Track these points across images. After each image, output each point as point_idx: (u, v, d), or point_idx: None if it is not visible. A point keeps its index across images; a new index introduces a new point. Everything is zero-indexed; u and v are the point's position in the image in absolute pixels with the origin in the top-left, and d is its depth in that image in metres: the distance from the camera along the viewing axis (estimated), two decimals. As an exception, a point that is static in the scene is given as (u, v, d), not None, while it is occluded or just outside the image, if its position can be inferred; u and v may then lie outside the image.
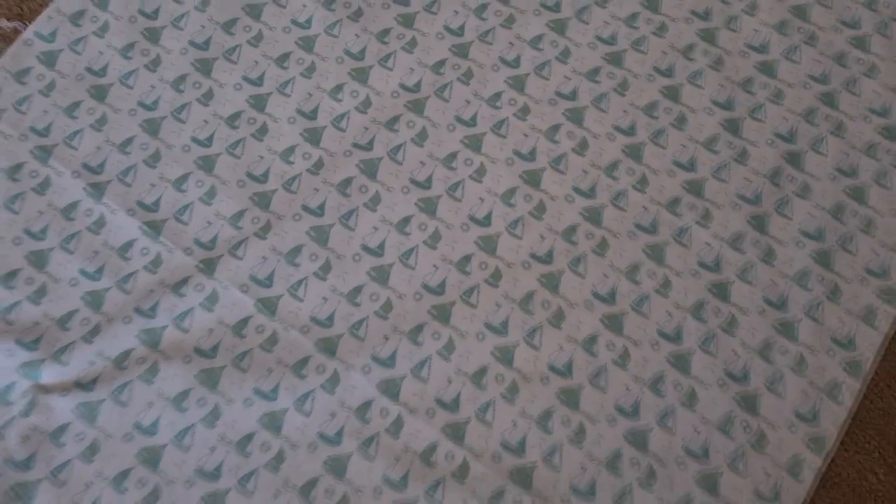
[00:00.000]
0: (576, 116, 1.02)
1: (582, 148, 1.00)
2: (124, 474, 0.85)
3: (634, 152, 1.00)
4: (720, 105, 1.03)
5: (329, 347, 0.90)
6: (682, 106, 1.03)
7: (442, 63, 1.04)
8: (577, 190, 0.98)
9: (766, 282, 0.94)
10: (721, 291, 0.94)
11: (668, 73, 1.05)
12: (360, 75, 1.03)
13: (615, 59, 1.05)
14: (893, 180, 0.99)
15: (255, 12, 1.06)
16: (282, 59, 1.03)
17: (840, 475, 0.88)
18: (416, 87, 1.02)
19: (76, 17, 1.04)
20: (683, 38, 1.06)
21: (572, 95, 1.03)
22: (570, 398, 0.89)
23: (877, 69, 1.05)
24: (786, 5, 1.08)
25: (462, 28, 1.06)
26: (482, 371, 0.90)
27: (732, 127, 1.02)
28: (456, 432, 0.87)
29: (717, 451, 0.87)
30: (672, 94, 1.03)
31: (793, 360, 0.91)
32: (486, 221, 0.96)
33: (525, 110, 1.02)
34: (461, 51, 1.05)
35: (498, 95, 1.03)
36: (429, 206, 0.97)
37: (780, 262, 0.95)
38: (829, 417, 0.89)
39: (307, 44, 1.04)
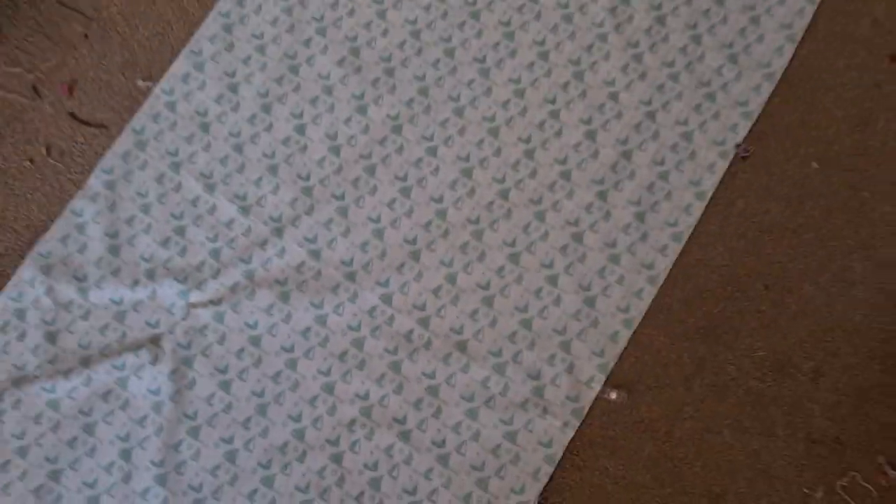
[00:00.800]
0: (494, 131, 1.65)
1: (497, 153, 1.64)
2: (241, 351, 1.53)
3: (530, 154, 1.64)
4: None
5: (351, 277, 1.57)
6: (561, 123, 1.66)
7: (412, 101, 1.66)
8: (496, 179, 1.62)
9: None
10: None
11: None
12: (362, 110, 1.66)
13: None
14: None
15: (294, 68, 1.68)
16: (314, 101, 1.66)
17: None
18: (397, 117, 1.66)
19: (185, 78, 1.67)
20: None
21: (492, 118, 1.66)
22: (490, 302, 1.56)
23: None
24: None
25: (424, 77, 1.68)
26: (439, 288, 1.57)
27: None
28: (425, 323, 1.55)
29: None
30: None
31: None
32: (441, 200, 1.61)
33: (462, 131, 1.65)
34: (424, 92, 1.67)
35: (445, 121, 1.65)
36: (406, 192, 1.61)
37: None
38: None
39: (327, 90, 1.67)
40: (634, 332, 1.54)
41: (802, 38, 1.66)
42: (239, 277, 1.56)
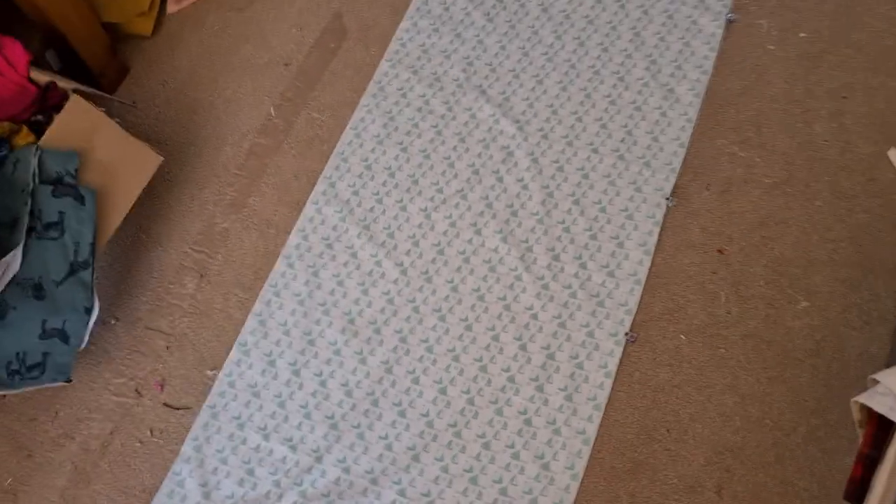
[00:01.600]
0: (456, 357, 2.33)
1: (460, 373, 2.31)
2: (304, 552, 2.13)
3: (484, 369, 2.31)
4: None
5: (374, 482, 2.18)
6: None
7: (396, 348, 2.37)
8: (463, 392, 2.28)
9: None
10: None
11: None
12: (363, 362, 2.35)
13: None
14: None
15: (311, 342, 2.40)
16: (328, 362, 2.37)
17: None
18: (388, 362, 2.35)
19: (238, 363, 2.39)
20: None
21: (453, 349, 2.35)
22: (475, 480, 2.16)
23: None
24: None
25: (401, 330, 2.39)
26: (437, 477, 2.17)
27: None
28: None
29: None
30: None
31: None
32: (427, 415, 2.26)
33: (434, 362, 2.33)
34: (403, 340, 2.38)
35: (421, 357, 2.34)
36: (402, 413, 2.27)
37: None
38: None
39: (336, 352, 2.38)
40: (581, 482, 2.13)
41: (655, 250, 2.38)
42: (296, 497, 2.18)
